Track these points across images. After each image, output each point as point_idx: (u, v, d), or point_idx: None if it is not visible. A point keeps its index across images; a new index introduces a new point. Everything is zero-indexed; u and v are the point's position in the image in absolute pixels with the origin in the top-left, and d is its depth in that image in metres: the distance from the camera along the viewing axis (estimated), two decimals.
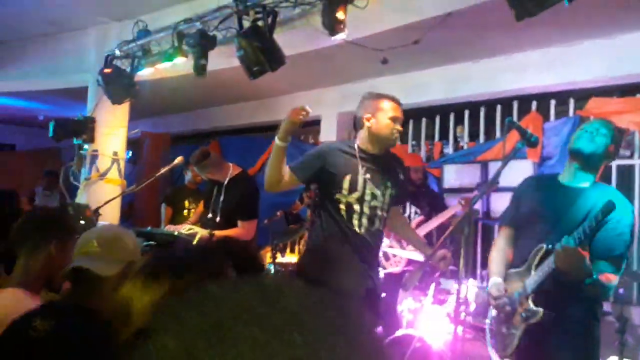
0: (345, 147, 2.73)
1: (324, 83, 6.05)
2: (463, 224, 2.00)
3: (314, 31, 3.49)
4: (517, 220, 2.43)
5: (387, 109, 2.66)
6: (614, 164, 4.41)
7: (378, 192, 2.65)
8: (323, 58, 4.74)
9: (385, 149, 2.75)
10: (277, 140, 2.59)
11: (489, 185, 2.26)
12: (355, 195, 2.62)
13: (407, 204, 4.88)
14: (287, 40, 3.64)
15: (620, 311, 3.40)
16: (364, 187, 2.63)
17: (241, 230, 3.73)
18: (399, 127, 2.68)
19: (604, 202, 2.08)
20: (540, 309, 2.17)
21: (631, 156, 4.30)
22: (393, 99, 2.72)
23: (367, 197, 2.63)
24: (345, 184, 2.62)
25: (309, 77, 5.70)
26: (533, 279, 2.21)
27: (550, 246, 2.18)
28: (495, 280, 2.35)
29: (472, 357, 3.12)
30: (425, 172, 4.97)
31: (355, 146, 2.70)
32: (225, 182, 3.82)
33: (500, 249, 2.45)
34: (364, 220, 2.62)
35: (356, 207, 2.62)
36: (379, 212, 2.66)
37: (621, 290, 3.46)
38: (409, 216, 4.75)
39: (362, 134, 2.72)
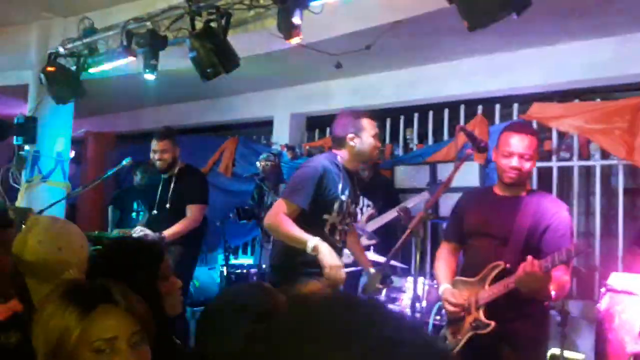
0: (334, 167, 2.68)
1: (276, 84, 6.04)
2: (419, 227, 2.06)
3: (269, 34, 3.48)
4: (461, 234, 2.51)
5: (369, 127, 2.68)
6: (555, 165, 4.63)
7: (353, 209, 2.77)
8: (277, 60, 4.74)
9: (359, 167, 2.81)
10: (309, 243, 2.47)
11: (440, 189, 2.33)
12: (341, 216, 2.68)
13: (361, 197, 4.97)
14: (240, 43, 3.62)
15: (561, 305, 3.57)
16: (347, 207, 2.71)
17: (189, 217, 3.88)
18: (379, 143, 2.74)
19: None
20: (492, 322, 2.23)
21: (570, 158, 4.53)
22: (371, 117, 2.74)
23: (347, 216, 2.74)
24: (336, 206, 2.65)
25: (262, 78, 5.68)
26: (487, 293, 2.27)
27: (509, 265, 2.24)
28: (446, 286, 2.43)
29: None
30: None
31: (341, 166, 2.70)
32: (176, 172, 4.02)
33: (445, 260, 2.53)
34: (343, 236, 2.75)
35: (339, 226, 2.70)
36: (347, 228, 2.79)
37: None
38: (361, 209, 4.83)
39: (345, 153, 2.71)
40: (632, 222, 4.42)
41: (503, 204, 2.39)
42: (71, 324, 1.11)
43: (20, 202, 4.68)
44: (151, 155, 4.04)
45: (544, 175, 4.70)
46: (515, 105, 4.82)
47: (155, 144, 3.97)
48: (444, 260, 2.55)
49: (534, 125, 4.68)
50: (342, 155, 2.70)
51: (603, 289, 2.71)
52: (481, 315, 2.28)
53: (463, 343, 2.29)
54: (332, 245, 2.54)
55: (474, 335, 2.29)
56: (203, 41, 3.37)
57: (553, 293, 2.18)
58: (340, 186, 2.63)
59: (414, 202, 4.66)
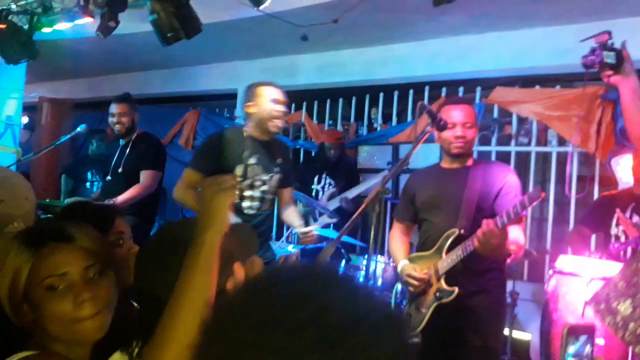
0: (236, 136, 2.83)
1: (242, 55, 5.91)
2: (374, 202, 2.04)
3: (234, 0, 3.37)
4: (412, 213, 2.58)
5: (267, 94, 2.77)
6: (513, 150, 4.71)
7: (266, 178, 2.83)
8: (242, 30, 4.62)
9: (271, 135, 2.85)
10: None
11: (398, 166, 2.32)
12: (247, 182, 2.79)
13: (324, 176, 4.94)
14: (204, 8, 3.50)
15: (512, 286, 3.66)
16: (255, 173, 2.80)
17: (141, 184, 3.80)
18: (279, 108, 2.79)
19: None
20: (456, 288, 2.29)
21: (528, 143, 4.61)
22: (271, 84, 2.87)
23: (257, 183, 2.82)
24: (238, 171, 2.76)
25: (227, 48, 5.54)
26: (446, 261, 2.32)
27: (462, 231, 2.30)
28: (404, 262, 2.47)
29: None
30: (343, 147, 5.04)
31: (247, 135, 2.81)
32: (133, 138, 3.92)
33: (398, 238, 2.61)
34: (255, 203, 2.82)
35: (247, 192, 2.80)
36: (267, 196, 2.85)
37: (514, 267, 3.73)
38: (323, 187, 4.82)
39: (248, 123, 2.83)
40: (584, 209, 4.55)
41: (451, 176, 2.46)
42: (21, 264, 1.09)
43: None
44: (109, 119, 3.92)
45: (502, 159, 4.77)
46: (479, 89, 4.85)
47: (114, 107, 3.87)
48: (397, 238, 2.61)
49: (495, 109, 4.74)
50: (247, 125, 2.84)
51: (550, 271, 2.78)
52: (443, 284, 2.32)
53: (428, 317, 2.32)
54: (238, 210, 2.70)
55: (439, 307, 2.31)
56: (164, 4, 3.25)
57: (512, 248, 2.24)
58: (245, 153, 2.75)
59: (357, 192, 4.71)
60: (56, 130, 7.06)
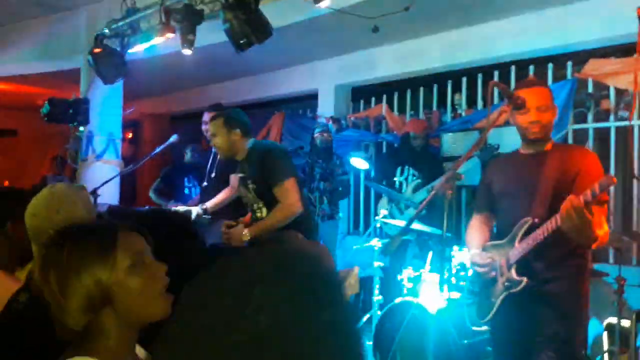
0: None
1: (319, 55, 5.98)
2: (446, 188, 1.98)
3: (300, 1, 3.42)
4: (490, 203, 2.47)
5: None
6: (612, 125, 4.34)
7: (243, 192, 3.07)
8: (314, 29, 4.67)
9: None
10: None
11: (472, 148, 2.23)
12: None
13: (407, 167, 4.82)
14: (273, 11, 3.59)
15: (618, 272, 3.38)
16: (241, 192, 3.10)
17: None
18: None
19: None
20: (524, 278, 2.19)
21: (630, 117, 4.21)
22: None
23: (245, 200, 3.09)
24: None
25: (303, 50, 5.63)
26: (517, 250, 2.23)
27: (537, 220, 2.19)
28: (476, 251, 2.39)
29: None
30: (428, 137, 4.90)
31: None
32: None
33: (475, 228, 2.50)
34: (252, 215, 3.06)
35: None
36: (254, 206, 3.03)
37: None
38: (406, 179, 4.73)
39: None
40: None
41: (527, 163, 2.33)
42: (100, 270, 1.10)
43: (78, 181, 4.92)
44: (203, 127, 4.11)
45: (601, 136, 4.41)
46: (569, 64, 4.53)
47: (205, 117, 4.06)
48: (475, 228, 2.50)
49: (590, 83, 4.39)
50: None
51: None
52: (513, 274, 2.22)
53: (498, 305, 2.23)
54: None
55: (509, 296, 2.22)
56: (235, 12, 3.37)
57: (600, 233, 2.07)
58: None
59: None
60: (156, 142, 7.59)
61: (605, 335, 3.47)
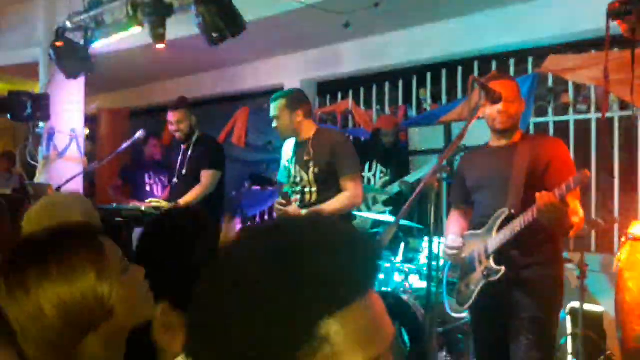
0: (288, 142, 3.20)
1: (285, 50, 5.96)
2: (433, 181, 2.04)
3: None
4: (465, 196, 2.55)
5: None
6: (572, 118, 4.53)
7: (303, 174, 3.05)
8: (283, 24, 4.66)
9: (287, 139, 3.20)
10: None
11: (454, 142, 2.29)
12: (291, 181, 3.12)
13: (374, 163, 4.89)
14: (245, 6, 3.56)
15: (580, 258, 3.54)
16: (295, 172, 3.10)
17: (200, 184, 3.89)
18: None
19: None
20: (502, 267, 2.27)
21: (588, 111, 4.43)
22: None
23: (297, 180, 3.08)
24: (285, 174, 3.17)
25: (270, 44, 5.60)
26: (495, 240, 2.30)
27: (512, 211, 2.27)
28: (452, 236, 2.48)
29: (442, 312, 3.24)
30: (398, 134, 4.98)
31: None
32: (194, 141, 4.04)
33: (454, 221, 2.59)
34: (299, 197, 3.09)
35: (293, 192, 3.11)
36: (306, 189, 3.05)
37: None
38: (374, 175, 4.80)
39: None
40: None
41: (498, 155, 2.42)
42: (94, 282, 0.95)
43: (39, 179, 4.75)
44: (169, 127, 4.06)
45: (561, 130, 4.61)
46: (530, 59, 4.70)
47: (170, 116, 4.00)
48: (453, 220, 2.59)
49: (550, 78, 4.57)
50: None
51: (623, 238, 2.68)
52: (491, 262, 2.30)
53: (477, 293, 2.31)
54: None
55: (487, 284, 2.30)
56: (208, 5, 3.33)
57: (575, 220, 2.18)
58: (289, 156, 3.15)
59: (418, 176, 4.60)
60: (115, 138, 7.38)
61: (568, 319, 3.64)
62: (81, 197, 1.74)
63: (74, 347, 0.93)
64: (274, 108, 3.07)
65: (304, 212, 2.92)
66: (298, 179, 3.09)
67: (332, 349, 0.51)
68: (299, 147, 3.09)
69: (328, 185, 2.98)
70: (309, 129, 3.07)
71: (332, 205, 2.92)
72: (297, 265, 0.52)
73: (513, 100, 2.36)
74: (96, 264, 0.95)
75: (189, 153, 4.04)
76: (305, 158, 3.03)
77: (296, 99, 3.08)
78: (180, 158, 4.11)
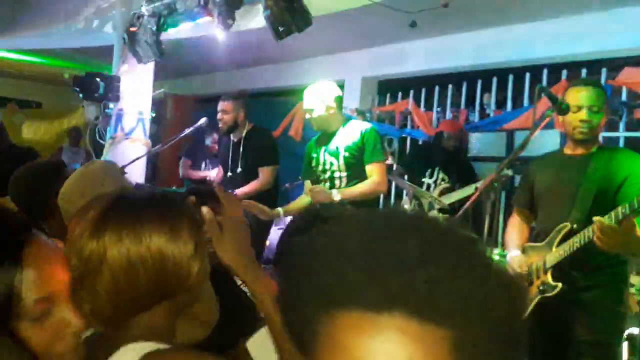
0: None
1: (349, 46, 5.96)
2: (489, 189, 1.99)
3: None
4: (531, 201, 2.45)
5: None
6: None
7: (333, 159, 3.11)
8: (350, 20, 4.66)
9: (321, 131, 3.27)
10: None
11: (515, 153, 2.22)
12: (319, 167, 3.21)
13: (436, 170, 4.71)
14: (312, 0, 3.58)
15: None
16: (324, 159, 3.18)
17: (259, 180, 3.92)
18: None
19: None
20: (559, 284, 2.19)
21: None
22: None
23: (327, 167, 3.16)
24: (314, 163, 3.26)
25: (334, 40, 5.61)
26: (554, 255, 2.22)
27: (575, 226, 2.18)
28: (514, 253, 2.38)
29: None
30: (461, 139, 4.81)
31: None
32: (244, 134, 4.03)
33: (516, 227, 2.49)
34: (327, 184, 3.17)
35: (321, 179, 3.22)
36: (336, 174, 3.12)
37: None
38: (435, 181, 4.67)
39: None
40: None
41: (572, 163, 2.30)
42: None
43: (105, 158, 4.96)
44: (218, 115, 4.10)
45: (631, 146, 4.38)
46: (604, 71, 4.48)
47: (219, 105, 4.06)
48: (515, 227, 2.50)
49: (624, 92, 4.35)
50: None
51: None
52: (549, 278, 2.23)
53: (532, 308, 2.24)
54: None
55: (543, 300, 2.22)
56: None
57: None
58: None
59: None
60: (179, 123, 7.63)
61: (625, 345, 3.47)
62: (111, 170, 1.72)
63: (146, 309, 0.93)
64: (309, 101, 3.20)
65: (334, 192, 3.04)
66: (327, 165, 3.18)
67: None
68: (330, 136, 3.19)
69: (357, 171, 3.10)
70: (339, 121, 3.21)
71: (359, 189, 3.06)
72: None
73: (598, 110, 2.22)
74: (195, 239, 0.97)
75: (242, 147, 4.02)
76: (336, 144, 3.14)
77: (329, 93, 3.20)
78: (231, 151, 4.09)
